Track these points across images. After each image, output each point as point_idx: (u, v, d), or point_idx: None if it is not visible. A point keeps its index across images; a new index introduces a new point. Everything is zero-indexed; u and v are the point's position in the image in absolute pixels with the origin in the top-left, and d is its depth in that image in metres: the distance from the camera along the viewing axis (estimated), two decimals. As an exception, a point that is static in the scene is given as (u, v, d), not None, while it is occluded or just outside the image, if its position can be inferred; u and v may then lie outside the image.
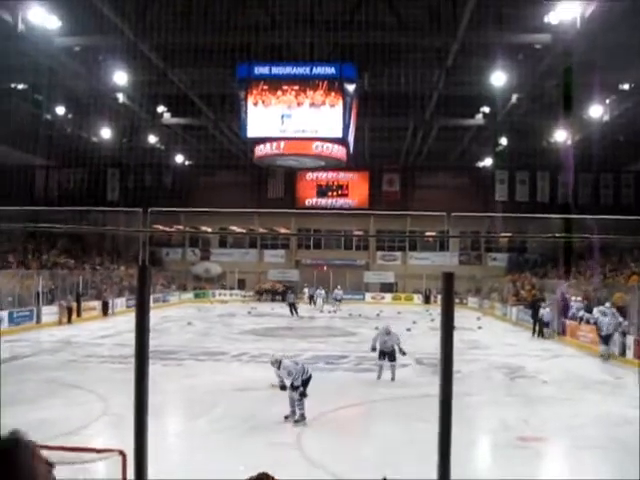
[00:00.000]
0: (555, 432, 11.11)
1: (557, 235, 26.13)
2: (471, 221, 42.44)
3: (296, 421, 11.00)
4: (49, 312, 27.75)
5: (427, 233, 47.09)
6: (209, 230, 48.48)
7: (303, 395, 11.05)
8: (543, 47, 22.58)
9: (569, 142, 31.40)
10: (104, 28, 21.05)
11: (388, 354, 15.03)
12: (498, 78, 25.27)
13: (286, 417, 11.12)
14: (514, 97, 27.89)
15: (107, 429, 10.76)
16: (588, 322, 22.20)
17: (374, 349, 15.24)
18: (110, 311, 32.71)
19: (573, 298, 26.44)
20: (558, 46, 21.33)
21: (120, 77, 26.60)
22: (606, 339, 19.45)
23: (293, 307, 34.77)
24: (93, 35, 22.57)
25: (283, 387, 11.22)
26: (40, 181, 43.59)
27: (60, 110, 31.29)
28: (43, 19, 20.01)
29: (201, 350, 20.37)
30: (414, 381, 15.15)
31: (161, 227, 39.83)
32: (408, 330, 25.95)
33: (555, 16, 19.43)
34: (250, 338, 24.39)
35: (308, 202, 49.15)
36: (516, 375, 16.81)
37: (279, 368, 11.13)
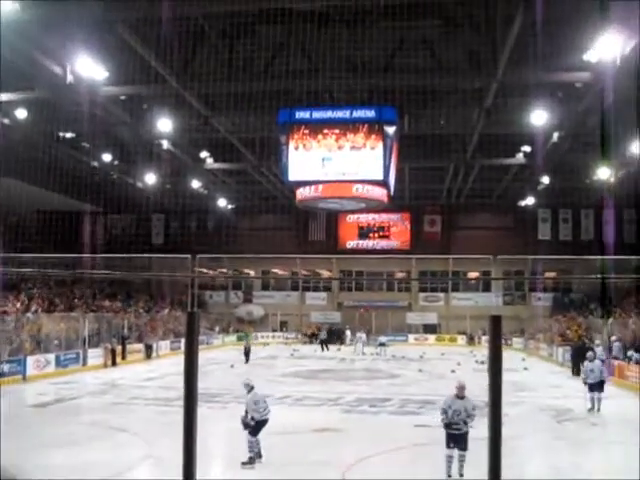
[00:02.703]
0: (607, 477, 10.77)
1: (604, 276, 25.62)
2: (515, 261, 41.95)
3: (243, 462, 10.69)
4: (94, 355, 28.04)
5: (470, 274, 46.73)
6: (252, 273, 48.99)
7: (249, 431, 10.84)
8: (583, 85, 22.50)
9: (612, 179, 30.97)
10: (149, 77, 21.69)
11: (459, 437, 10.20)
12: (538, 117, 25.20)
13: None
14: (555, 135, 27.74)
15: (152, 472, 10.80)
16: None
17: (448, 424, 10.40)
18: (154, 354, 32.88)
19: (613, 337, 25.69)
20: (598, 84, 21.24)
21: (164, 124, 27.26)
22: (592, 387, 16.97)
23: (247, 354, 31.29)
24: (138, 84, 23.24)
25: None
26: (87, 227, 44.50)
27: (107, 157, 32.17)
28: (91, 70, 20.66)
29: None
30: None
31: (205, 270, 40.27)
32: (453, 372, 25.61)
33: (594, 54, 19.37)
34: (292, 381, 24.30)
35: (350, 244, 49.21)
36: (564, 418, 16.39)
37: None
